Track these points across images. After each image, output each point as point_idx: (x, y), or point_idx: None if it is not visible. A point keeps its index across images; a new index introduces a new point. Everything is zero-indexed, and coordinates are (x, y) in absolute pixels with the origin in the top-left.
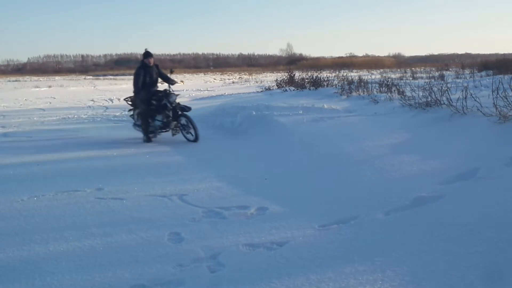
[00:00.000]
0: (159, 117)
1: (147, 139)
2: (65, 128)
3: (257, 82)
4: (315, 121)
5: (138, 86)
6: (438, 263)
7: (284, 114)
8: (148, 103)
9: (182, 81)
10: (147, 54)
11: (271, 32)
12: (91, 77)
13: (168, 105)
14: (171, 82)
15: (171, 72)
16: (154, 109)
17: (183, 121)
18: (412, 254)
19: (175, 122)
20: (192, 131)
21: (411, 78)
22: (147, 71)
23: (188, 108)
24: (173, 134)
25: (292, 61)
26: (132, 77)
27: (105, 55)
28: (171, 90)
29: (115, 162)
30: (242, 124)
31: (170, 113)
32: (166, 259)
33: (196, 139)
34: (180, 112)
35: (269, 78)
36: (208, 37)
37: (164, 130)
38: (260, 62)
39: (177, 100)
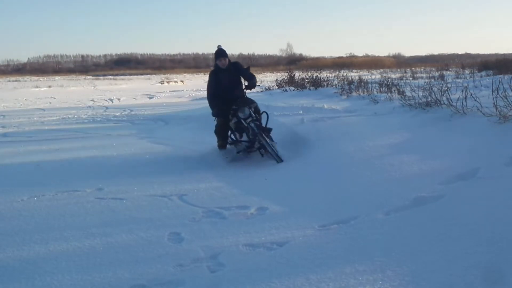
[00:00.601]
0: (244, 136)
1: (229, 158)
2: (65, 128)
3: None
4: (315, 121)
5: (210, 98)
6: (438, 263)
7: (284, 114)
8: (227, 116)
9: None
10: (218, 54)
11: (271, 32)
12: (91, 77)
13: (243, 122)
14: (249, 85)
15: (248, 69)
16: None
17: (263, 140)
18: (412, 254)
19: (257, 141)
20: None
21: (411, 78)
22: (221, 76)
23: (268, 129)
24: (262, 155)
25: (292, 61)
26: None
27: (105, 55)
28: (246, 95)
29: (115, 162)
30: None
31: (251, 130)
32: (166, 259)
33: (279, 160)
34: (256, 130)
35: (269, 78)
36: (208, 37)
37: (253, 150)
38: (260, 62)
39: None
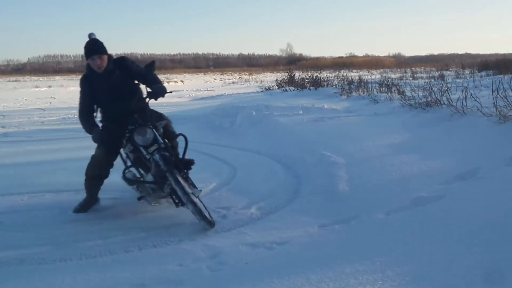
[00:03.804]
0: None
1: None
2: (65, 128)
3: (257, 82)
4: (315, 121)
5: (81, 117)
6: (438, 263)
7: (284, 114)
8: (113, 144)
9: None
10: (90, 49)
11: (271, 32)
12: None
13: (143, 152)
14: (153, 92)
15: (152, 67)
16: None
17: (174, 183)
18: (412, 254)
19: (169, 182)
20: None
21: (411, 78)
22: (99, 85)
23: (185, 163)
24: (176, 203)
25: (292, 61)
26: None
27: None
28: (149, 107)
29: (115, 162)
30: (242, 124)
31: (154, 165)
32: (166, 259)
33: (207, 223)
34: (163, 166)
35: (269, 78)
36: (208, 37)
37: (162, 195)
38: (260, 62)
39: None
